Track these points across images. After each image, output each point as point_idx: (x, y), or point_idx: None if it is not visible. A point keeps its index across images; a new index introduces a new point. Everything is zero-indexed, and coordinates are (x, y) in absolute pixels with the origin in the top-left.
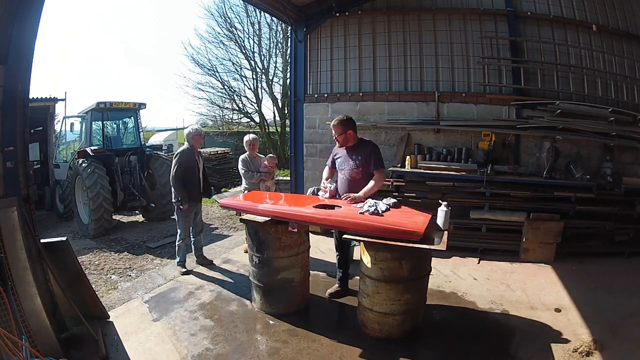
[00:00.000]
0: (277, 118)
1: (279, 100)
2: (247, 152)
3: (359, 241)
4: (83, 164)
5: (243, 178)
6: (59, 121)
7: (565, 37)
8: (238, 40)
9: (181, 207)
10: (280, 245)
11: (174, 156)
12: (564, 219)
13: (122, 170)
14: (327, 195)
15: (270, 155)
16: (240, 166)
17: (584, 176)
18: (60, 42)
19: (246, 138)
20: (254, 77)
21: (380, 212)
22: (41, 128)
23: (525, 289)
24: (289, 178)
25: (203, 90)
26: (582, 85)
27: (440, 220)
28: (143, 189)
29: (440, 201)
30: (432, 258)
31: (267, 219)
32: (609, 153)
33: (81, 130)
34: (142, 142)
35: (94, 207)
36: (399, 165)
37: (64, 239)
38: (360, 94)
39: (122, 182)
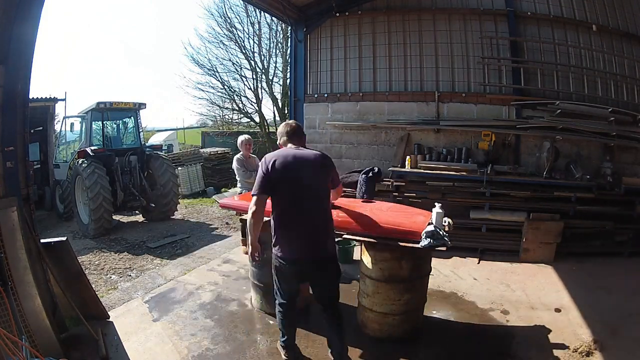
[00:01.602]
0: (277, 118)
1: (279, 100)
2: (242, 152)
3: (359, 241)
4: (83, 164)
5: (238, 178)
6: (59, 121)
7: (565, 37)
8: (238, 40)
9: None
10: None
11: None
12: (564, 219)
13: (122, 170)
14: None
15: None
16: (235, 165)
17: (584, 176)
18: (60, 42)
19: (242, 138)
20: (254, 77)
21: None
22: (41, 128)
23: (525, 289)
24: None
25: (203, 90)
26: (582, 85)
27: (433, 219)
28: (143, 189)
29: (435, 203)
30: (432, 258)
31: (267, 219)
32: (609, 153)
33: (81, 130)
34: (142, 142)
35: (94, 207)
36: (399, 166)
37: (64, 239)
38: (360, 94)
39: (122, 182)
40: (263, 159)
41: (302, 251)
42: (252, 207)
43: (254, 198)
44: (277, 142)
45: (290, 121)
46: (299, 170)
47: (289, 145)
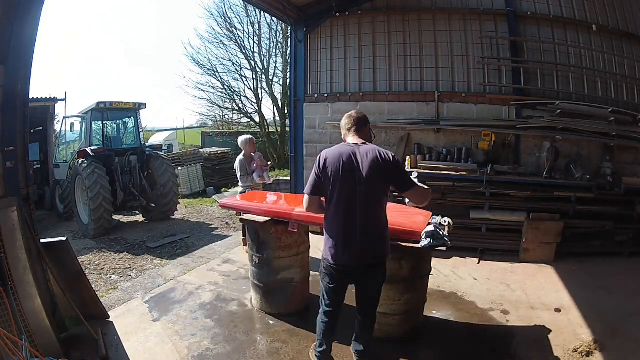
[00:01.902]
0: (277, 118)
1: (279, 100)
2: (244, 152)
3: None
4: (83, 164)
5: (239, 180)
6: (59, 121)
7: (565, 37)
8: (238, 40)
9: None
10: (280, 245)
11: None
12: (564, 219)
13: (122, 170)
14: None
15: (258, 153)
16: (237, 166)
17: (584, 176)
18: (60, 42)
19: (242, 138)
20: (254, 77)
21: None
22: (41, 128)
23: (525, 289)
24: (289, 178)
25: (203, 90)
26: (582, 85)
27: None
28: (143, 189)
29: (434, 216)
30: (432, 258)
31: (267, 219)
32: (609, 153)
33: (81, 130)
34: (142, 142)
35: (94, 207)
36: None
37: (64, 239)
38: (360, 94)
39: (122, 182)
40: (319, 155)
41: (347, 257)
42: (305, 206)
43: (305, 197)
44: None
45: (353, 112)
46: (352, 172)
47: (348, 140)
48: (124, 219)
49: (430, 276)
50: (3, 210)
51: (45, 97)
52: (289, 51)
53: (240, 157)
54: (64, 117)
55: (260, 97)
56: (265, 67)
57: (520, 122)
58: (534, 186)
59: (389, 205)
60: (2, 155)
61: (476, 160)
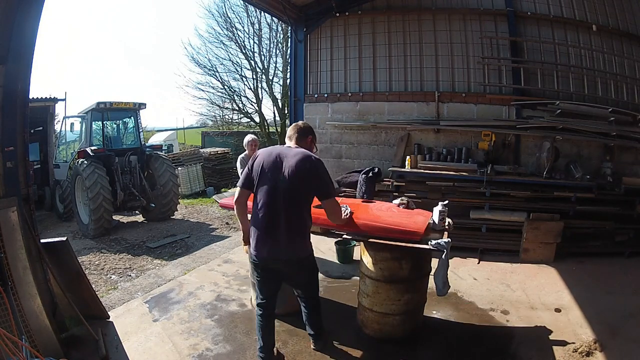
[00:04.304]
0: (277, 118)
1: (279, 100)
2: (246, 152)
3: (359, 241)
4: (83, 164)
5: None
6: (59, 121)
7: (565, 37)
8: (238, 40)
9: None
10: None
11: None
12: (564, 219)
13: (122, 170)
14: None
15: None
16: (238, 165)
17: (584, 176)
18: (60, 42)
19: (248, 138)
20: (254, 77)
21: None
22: (41, 128)
23: (525, 289)
24: None
25: (203, 90)
26: (582, 85)
27: (435, 217)
28: (143, 189)
29: (439, 202)
30: (432, 258)
31: None
32: (609, 153)
33: (81, 130)
34: (142, 142)
35: (94, 207)
36: (399, 166)
37: (64, 239)
38: (360, 94)
39: (122, 182)
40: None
41: (265, 252)
42: (235, 197)
43: (237, 189)
44: None
45: (300, 122)
46: (275, 170)
47: (286, 143)
48: (124, 219)
49: (430, 276)
50: (3, 210)
51: (45, 97)
52: (289, 51)
53: (243, 155)
54: (64, 117)
55: (260, 97)
56: (265, 67)
57: (520, 122)
58: (533, 186)
59: (390, 204)
60: (2, 155)
61: (476, 160)
